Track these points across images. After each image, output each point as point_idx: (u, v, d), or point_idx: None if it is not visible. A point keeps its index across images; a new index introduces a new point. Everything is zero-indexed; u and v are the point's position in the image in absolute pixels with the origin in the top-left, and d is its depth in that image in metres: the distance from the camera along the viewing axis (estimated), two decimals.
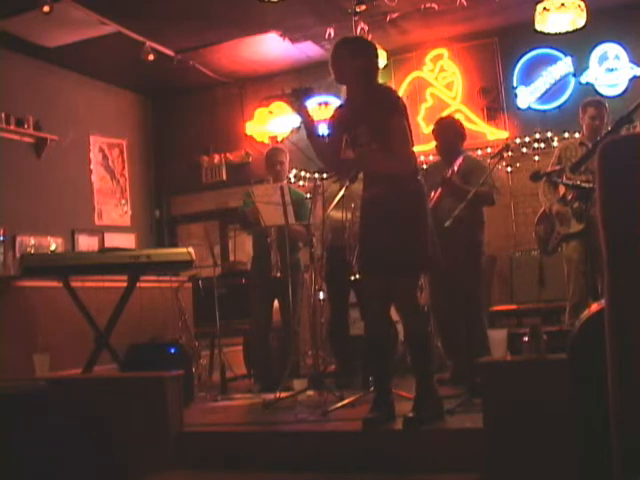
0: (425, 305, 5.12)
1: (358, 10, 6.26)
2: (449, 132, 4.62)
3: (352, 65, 3.36)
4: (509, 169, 6.90)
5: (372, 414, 3.27)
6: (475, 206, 4.04)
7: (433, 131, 4.72)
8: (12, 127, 6.73)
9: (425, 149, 6.69)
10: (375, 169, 3.38)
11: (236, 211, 5.34)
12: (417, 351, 3.36)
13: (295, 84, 7.80)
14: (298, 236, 4.85)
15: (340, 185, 4.38)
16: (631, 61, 6.56)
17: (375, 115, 3.31)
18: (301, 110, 3.51)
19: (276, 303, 5.04)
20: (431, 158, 6.55)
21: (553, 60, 6.88)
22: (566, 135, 6.47)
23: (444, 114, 6.90)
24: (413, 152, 3.40)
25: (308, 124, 3.50)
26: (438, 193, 4.44)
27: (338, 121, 3.51)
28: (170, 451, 3.40)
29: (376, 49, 3.48)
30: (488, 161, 5.26)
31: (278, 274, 4.62)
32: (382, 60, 6.53)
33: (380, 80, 3.51)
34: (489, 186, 4.28)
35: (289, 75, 7.87)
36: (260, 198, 4.53)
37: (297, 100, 3.53)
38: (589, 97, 5.24)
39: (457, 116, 7.07)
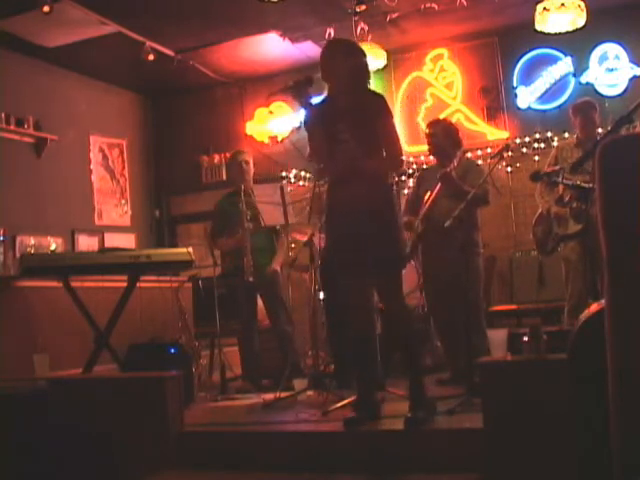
0: (420, 306, 5.11)
1: (358, 10, 6.25)
2: (441, 135, 4.61)
3: (344, 63, 3.42)
4: (509, 169, 6.89)
5: (353, 414, 3.33)
6: (471, 207, 4.06)
7: (426, 134, 4.72)
8: (12, 127, 6.72)
9: (425, 149, 6.65)
10: (368, 169, 3.37)
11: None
12: (404, 350, 3.48)
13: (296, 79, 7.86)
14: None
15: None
16: (631, 61, 6.56)
17: (360, 115, 3.38)
18: (306, 102, 3.55)
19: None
20: (431, 158, 6.53)
21: (553, 60, 6.87)
22: (566, 135, 6.44)
23: (443, 115, 6.91)
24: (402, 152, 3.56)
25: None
26: (435, 192, 4.44)
27: (316, 117, 3.52)
28: (170, 451, 3.40)
29: (366, 55, 3.57)
30: (488, 161, 5.27)
31: (250, 278, 4.72)
32: (382, 60, 6.52)
33: (377, 81, 3.55)
34: (482, 187, 4.28)
35: (289, 75, 7.81)
36: (260, 198, 4.56)
37: (300, 92, 3.57)
38: (578, 100, 5.18)
39: (457, 116, 7.12)
